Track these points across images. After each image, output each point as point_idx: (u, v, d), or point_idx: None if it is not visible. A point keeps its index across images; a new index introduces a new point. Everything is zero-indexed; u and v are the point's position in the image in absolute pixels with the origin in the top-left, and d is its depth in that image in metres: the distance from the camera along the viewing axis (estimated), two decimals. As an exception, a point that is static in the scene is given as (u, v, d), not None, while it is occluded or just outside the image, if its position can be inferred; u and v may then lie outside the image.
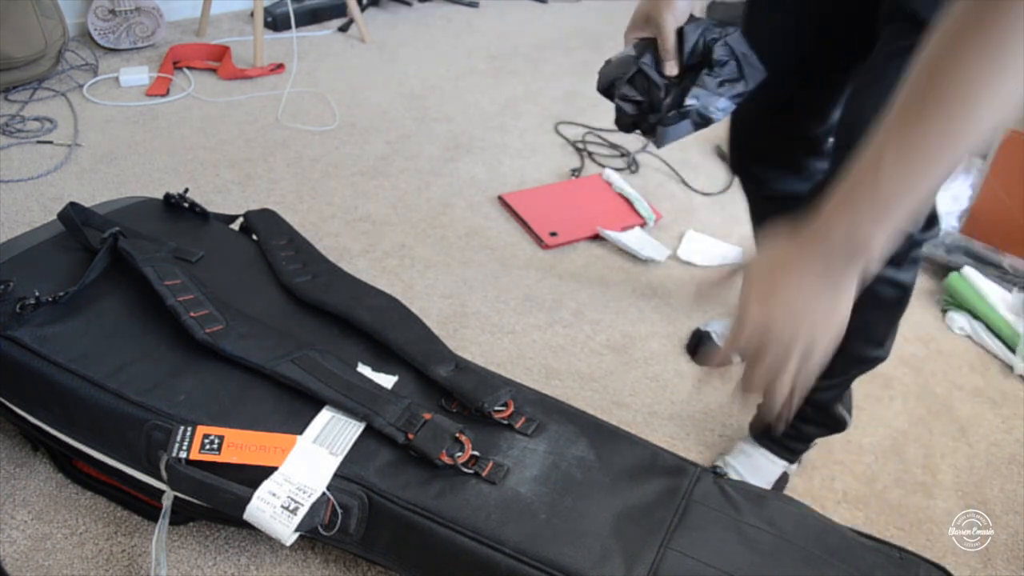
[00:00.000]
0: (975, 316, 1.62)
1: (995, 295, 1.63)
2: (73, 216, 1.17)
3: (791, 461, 1.23)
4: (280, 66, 2.37)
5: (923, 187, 0.63)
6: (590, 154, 2.12)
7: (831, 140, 1.17)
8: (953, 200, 1.88)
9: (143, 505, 1.09)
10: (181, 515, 1.05)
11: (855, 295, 0.70)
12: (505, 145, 2.13)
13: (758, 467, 1.20)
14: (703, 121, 1.05)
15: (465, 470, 0.98)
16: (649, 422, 1.33)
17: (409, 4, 2.99)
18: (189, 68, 2.33)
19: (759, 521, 0.98)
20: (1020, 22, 0.56)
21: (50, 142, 1.92)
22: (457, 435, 1.00)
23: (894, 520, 1.22)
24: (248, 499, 0.91)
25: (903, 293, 1.02)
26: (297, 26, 2.51)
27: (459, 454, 0.99)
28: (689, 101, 1.03)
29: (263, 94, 2.24)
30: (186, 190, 1.34)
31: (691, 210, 1.92)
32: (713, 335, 1.50)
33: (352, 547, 0.97)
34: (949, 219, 1.87)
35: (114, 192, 1.77)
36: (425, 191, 1.91)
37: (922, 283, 1.75)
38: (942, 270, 1.76)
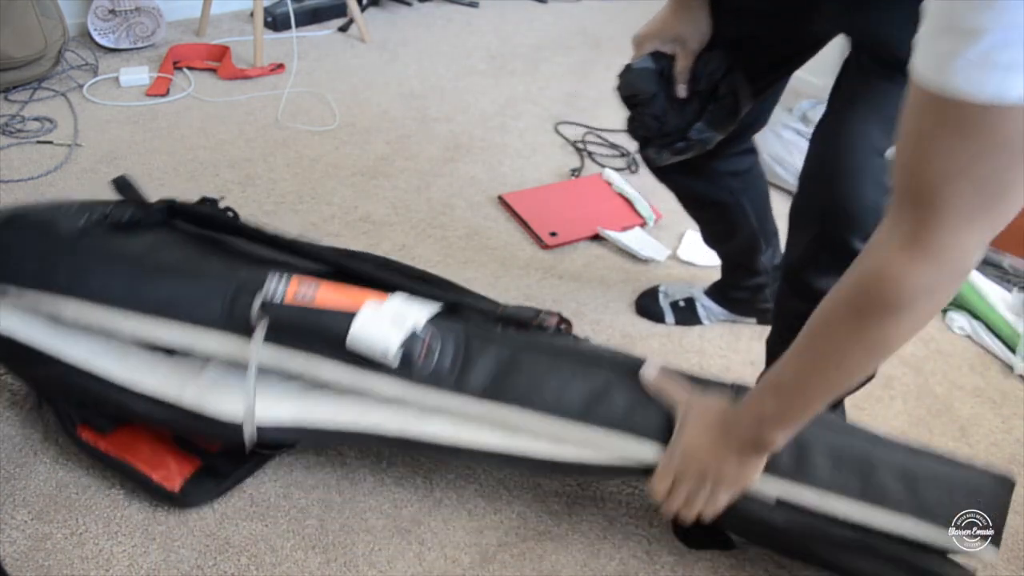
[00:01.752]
0: (975, 316, 1.62)
1: (995, 295, 1.63)
2: (129, 180, 1.23)
3: None
4: (280, 66, 2.37)
5: (811, 415, 0.87)
6: (590, 154, 2.12)
7: (734, 145, 1.24)
8: (953, 200, 1.88)
9: (155, 486, 1.09)
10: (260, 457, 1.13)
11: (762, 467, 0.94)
12: (505, 145, 2.13)
13: None
14: (701, 147, 1.14)
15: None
16: (649, 422, 1.33)
17: (409, 4, 2.99)
18: (189, 68, 2.33)
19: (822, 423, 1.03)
20: (890, 341, 0.76)
21: (50, 142, 1.92)
22: (538, 312, 1.09)
23: (894, 520, 1.22)
24: (352, 318, 0.94)
25: None
26: (297, 26, 2.51)
27: (549, 319, 1.09)
28: (692, 133, 1.12)
29: (263, 94, 2.24)
30: (222, 197, 1.29)
31: (691, 210, 1.92)
32: (660, 294, 1.58)
33: (446, 384, 0.98)
34: (949, 219, 1.87)
35: (114, 192, 1.76)
36: (425, 191, 1.91)
37: (922, 283, 1.75)
38: (942, 270, 1.75)
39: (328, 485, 1.17)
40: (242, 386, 0.99)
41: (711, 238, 1.46)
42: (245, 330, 0.97)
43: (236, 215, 1.31)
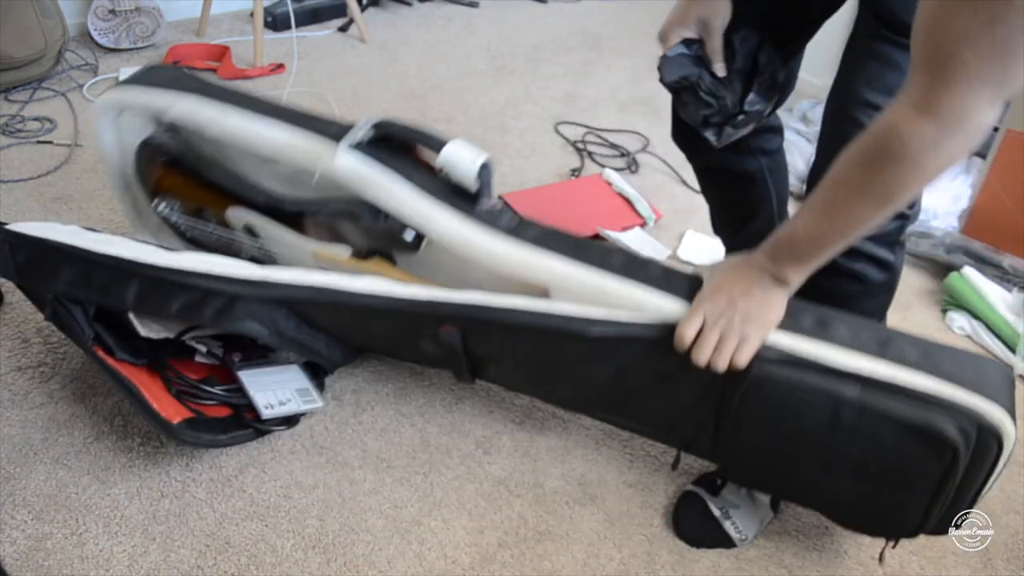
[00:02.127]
0: (975, 316, 1.62)
1: (995, 295, 1.63)
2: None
3: None
4: (280, 66, 2.37)
5: (824, 260, 0.93)
6: (590, 154, 2.12)
7: (768, 119, 1.25)
8: (953, 200, 1.88)
9: (146, 404, 1.10)
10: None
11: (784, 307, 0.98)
12: (505, 145, 2.13)
13: None
14: (758, 120, 1.14)
15: None
16: (649, 422, 1.33)
17: (409, 4, 2.99)
18: (189, 68, 2.33)
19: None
20: (894, 172, 0.82)
21: (50, 142, 1.92)
22: None
23: (894, 520, 1.23)
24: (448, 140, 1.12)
25: (892, 277, 1.10)
26: (297, 26, 2.51)
27: None
28: (747, 105, 1.11)
29: (263, 94, 2.24)
30: None
31: (691, 210, 1.91)
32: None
33: (504, 228, 1.09)
34: (949, 219, 1.87)
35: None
36: (425, 191, 1.90)
37: (922, 283, 1.75)
38: (942, 270, 1.75)
39: (328, 485, 1.17)
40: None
41: (729, 224, 1.44)
42: (339, 136, 1.15)
43: None
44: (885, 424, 0.93)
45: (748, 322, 0.94)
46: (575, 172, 2.03)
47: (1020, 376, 1.53)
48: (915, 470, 0.94)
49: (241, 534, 1.09)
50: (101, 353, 1.14)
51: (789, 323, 0.97)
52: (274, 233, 1.31)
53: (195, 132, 1.27)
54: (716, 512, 1.14)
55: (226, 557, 1.06)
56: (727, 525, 1.13)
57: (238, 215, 1.33)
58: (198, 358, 1.26)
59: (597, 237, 1.78)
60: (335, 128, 1.18)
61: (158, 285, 1.13)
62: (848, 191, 0.86)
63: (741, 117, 1.13)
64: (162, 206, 1.38)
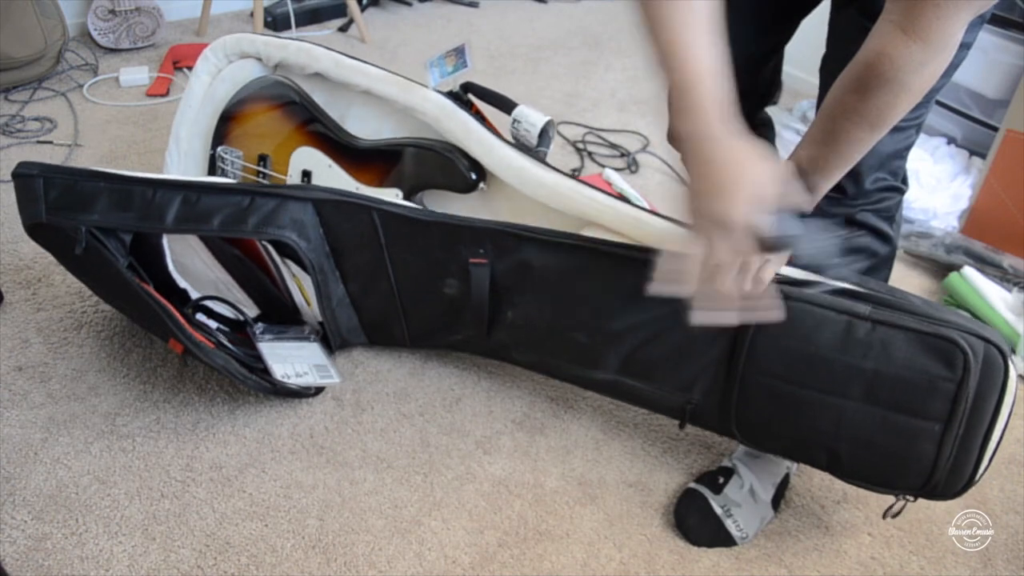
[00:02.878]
0: (975, 316, 1.62)
1: (995, 295, 1.62)
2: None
3: (794, 461, 1.24)
4: (280, 66, 2.37)
5: (825, 188, 0.97)
6: (590, 154, 2.12)
7: (759, 115, 1.28)
8: (953, 200, 1.88)
9: (179, 323, 1.12)
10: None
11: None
12: (505, 145, 2.13)
13: (764, 466, 1.21)
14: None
15: None
16: (650, 420, 1.33)
17: (409, 4, 2.99)
18: (189, 68, 2.33)
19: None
20: (887, 113, 0.87)
21: (50, 142, 1.92)
22: None
23: (894, 520, 1.22)
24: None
25: (891, 250, 1.15)
26: (297, 26, 2.51)
27: None
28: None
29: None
30: None
31: (691, 210, 1.91)
32: None
33: (552, 168, 1.23)
34: (949, 219, 1.87)
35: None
36: (425, 191, 1.90)
37: (922, 283, 1.75)
38: (942, 270, 1.75)
39: (328, 485, 1.17)
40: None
41: None
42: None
43: None
44: (897, 337, 0.96)
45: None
46: (575, 172, 2.03)
47: (1021, 376, 1.53)
48: (927, 387, 0.96)
49: (241, 534, 1.09)
50: (138, 279, 1.16)
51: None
52: (331, 177, 1.42)
53: (300, 71, 1.42)
54: (718, 510, 1.14)
55: (226, 557, 1.06)
56: (728, 523, 1.13)
57: (303, 156, 1.43)
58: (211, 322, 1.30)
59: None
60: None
61: (202, 197, 1.16)
62: (845, 118, 0.90)
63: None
64: (227, 155, 1.46)
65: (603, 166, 2.06)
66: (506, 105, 1.35)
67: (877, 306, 0.97)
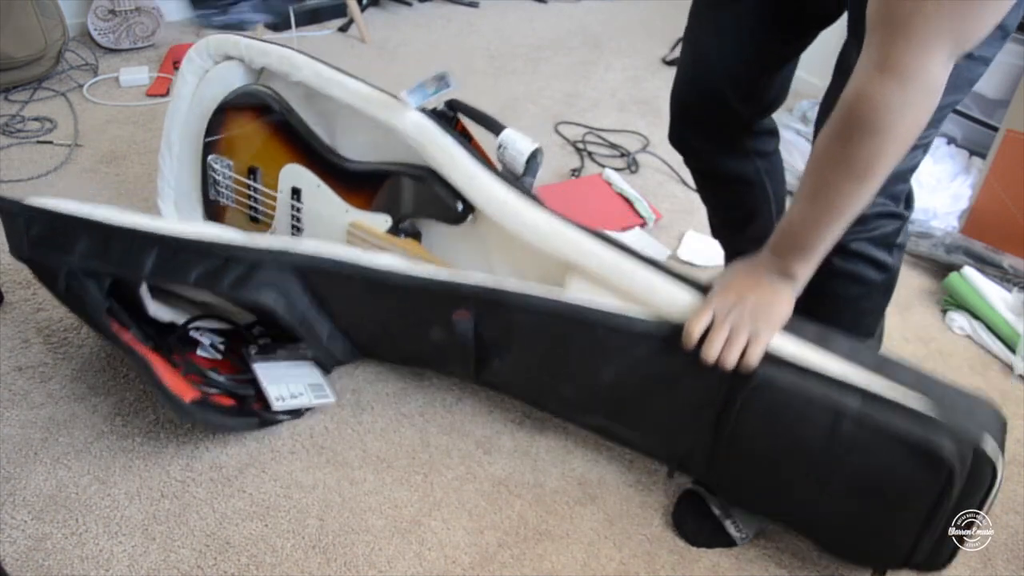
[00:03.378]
0: (975, 316, 1.62)
1: (995, 295, 1.63)
2: None
3: None
4: (280, 66, 2.37)
5: (825, 246, 0.93)
6: (590, 154, 2.12)
7: (763, 122, 1.26)
8: (953, 200, 1.88)
9: (170, 395, 1.10)
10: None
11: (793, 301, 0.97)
12: (505, 145, 2.13)
13: None
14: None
15: None
16: (649, 422, 1.33)
17: (409, 4, 2.99)
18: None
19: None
20: (873, 163, 0.84)
21: (50, 142, 1.92)
22: None
23: (894, 520, 1.23)
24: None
25: (890, 277, 1.10)
26: (297, 26, 2.51)
27: None
28: None
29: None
30: None
31: (691, 210, 1.91)
32: None
33: (535, 203, 1.14)
34: (949, 219, 1.87)
35: (114, 192, 1.77)
36: (425, 191, 1.90)
37: (922, 283, 1.75)
38: (942, 270, 1.75)
39: (328, 485, 1.17)
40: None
41: (727, 226, 1.44)
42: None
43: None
44: (883, 438, 0.92)
45: (758, 318, 0.95)
46: (575, 172, 2.03)
47: (1020, 376, 1.53)
48: (910, 489, 0.93)
49: (241, 534, 1.09)
50: (116, 327, 1.15)
51: (793, 330, 0.97)
52: (319, 197, 1.37)
53: (284, 77, 1.36)
54: (716, 511, 1.14)
55: (226, 557, 1.06)
56: (727, 524, 1.13)
57: (292, 174, 1.38)
58: (200, 352, 1.27)
59: (597, 237, 1.78)
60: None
61: (179, 252, 1.14)
62: (831, 170, 0.87)
63: None
64: (217, 164, 1.43)
65: (603, 166, 2.06)
66: (493, 127, 1.30)
67: (866, 400, 0.93)
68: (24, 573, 1.02)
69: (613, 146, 2.16)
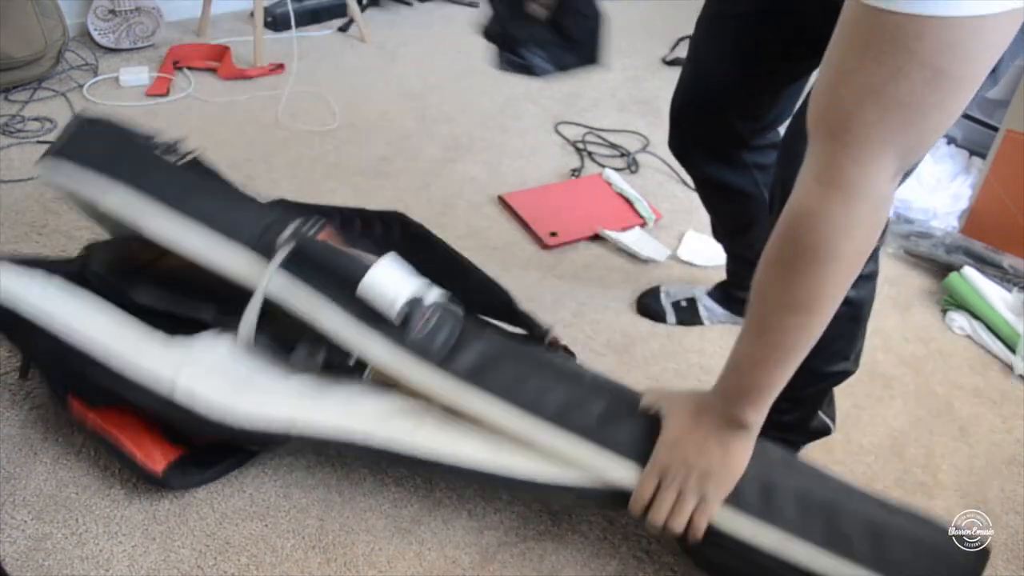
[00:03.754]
0: (975, 316, 1.62)
1: (995, 295, 1.63)
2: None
3: None
4: (280, 66, 2.37)
5: (777, 387, 0.86)
6: (590, 154, 2.12)
7: (764, 136, 1.25)
8: (953, 200, 1.88)
9: (139, 467, 1.09)
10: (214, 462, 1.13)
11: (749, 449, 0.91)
12: (505, 145, 2.13)
13: None
14: (525, 71, 1.15)
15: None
16: (649, 422, 1.33)
17: (409, 4, 2.99)
18: (189, 68, 2.33)
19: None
20: (818, 292, 0.77)
21: (50, 142, 1.92)
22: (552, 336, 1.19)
23: (894, 520, 1.22)
24: (371, 265, 1.00)
25: (855, 309, 1.05)
26: (297, 26, 2.51)
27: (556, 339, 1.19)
28: (528, 54, 1.13)
29: (263, 94, 2.24)
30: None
31: (691, 210, 1.92)
32: (662, 294, 1.59)
33: (431, 360, 1.01)
34: (949, 219, 1.87)
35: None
36: (425, 191, 1.91)
37: (922, 283, 1.75)
38: (942, 270, 1.75)
39: (328, 485, 1.17)
40: (238, 375, 1.04)
41: (726, 231, 1.45)
42: (268, 255, 1.03)
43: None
44: None
45: (707, 481, 0.90)
46: (575, 172, 2.03)
47: (1020, 376, 1.53)
48: None
49: (241, 534, 1.09)
50: (78, 408, 1.12)
51: (734, 497, 0.92)
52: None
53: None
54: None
55: (226, 557, 1.06)
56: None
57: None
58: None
59: (597, 237, 1.78)
60: (266, 226, 1.06)
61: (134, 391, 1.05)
62: (773, 302, 0.80)
63: (512, 56, 1.12)
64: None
65: (603, 166, 2.06)
66: (352, 273, 1.00)
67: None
68: (24, 573, 1.02)
69: (613, 146, 2.16)
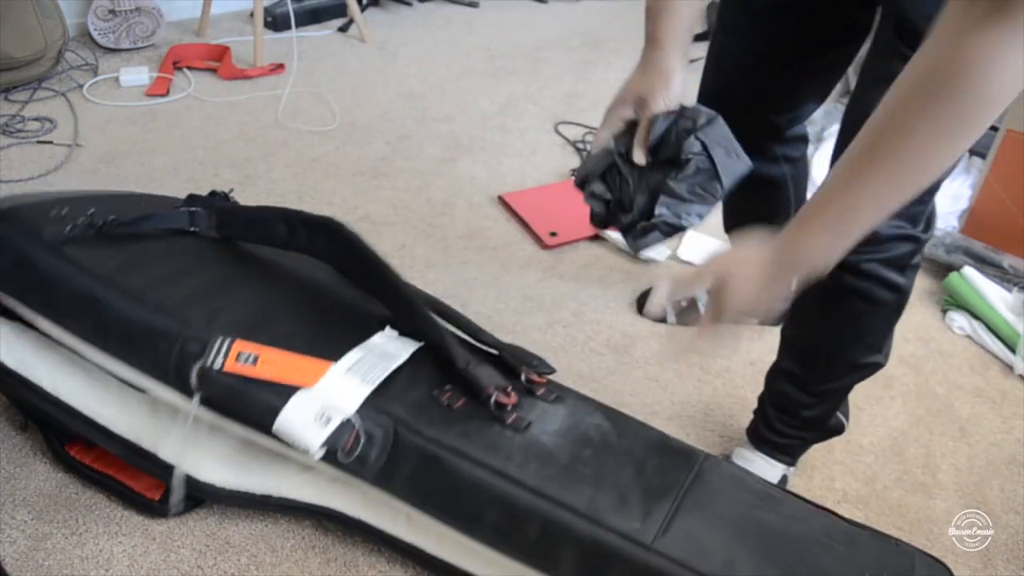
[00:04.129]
0: (975, 316, 1.62)
1: (995, 295, 1.63)
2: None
3: (790, 464, 1.24)
4: (280, 66, 2.37)
5: (861, 229, 0.75)
6: (590, 154, 2.12)
7: (794, 128, 1.23)
8: (953, 200, 1.88)
9: (137, 497, 1.09)
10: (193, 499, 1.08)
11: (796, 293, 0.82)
12: (505, 145, 2.13)
13: (758, 471, 1.21)
14: (673, 230, 1.00)
15: (492, 415, 0.99)
16: (649, 422, 1.32)
17: (409, 4, 2.99)
18: (189, 68, 2.33)
19: (764, 501, 0.99)
20: (966, 106, 0.66)
21: (50, 142, 1.92)
22: (507, 388, 1.02)
23: (894, 520, 1.22)
24: (280, 408, 0.92)
25: (901, 297, 1.05)
26: (297, 26, 2.51)
27: (505, 397, 1.00)
28: (658, 211, 0.98)
29: (263, 94, 2.24)
30: (231, 190, 1.30)
31: (691, 210, 1.91)
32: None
33: (369, 477, 0.96)
34: (949, 219, 1.87)
35: (114, 192, 1.77)
36: (425, 191, 1.91)
37: (922, 283, 1.75)
38: (942, 270, 1.75)
39: (328, 485, 1.17)
40: (209, 443, 1.03)
41: (743, 225, 1.43)
42: (188, 390, 0.97)
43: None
44: None
45: (735, 291, 0.82)
46: (575, 172, 2.02)
47: (1020, 376, 1.53)
48: None
49: (241, 534, 1.09)
50: (76, 455, 1.12)
51: (696, 557, 0.88)
52: None
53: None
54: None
55: (226, 557, 1.06)
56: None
57: None
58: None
59: (597, 237, 1.78)
60: (180, 350, 0.98)
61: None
62: (905, 131, 0.69)
63: (641, 225, 1.00)
64: None
65: (603, 166, 2.06)
66: (263, 423, 0.94)
67: None
68: (24, 573, 1.02)
69: (613, 146, 2.16)
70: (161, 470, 1.03)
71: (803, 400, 1.16)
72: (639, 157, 1.00)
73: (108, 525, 1.08)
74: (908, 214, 0.96)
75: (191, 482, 1.02)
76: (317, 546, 1.09)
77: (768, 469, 1.21)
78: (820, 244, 0.77)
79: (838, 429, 1.26)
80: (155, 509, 1.09)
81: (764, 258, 0.81)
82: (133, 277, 1.04)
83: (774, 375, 1.20)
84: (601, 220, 1.08)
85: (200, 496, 1.07)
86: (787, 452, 1.23)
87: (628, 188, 0.99)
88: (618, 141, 1.02)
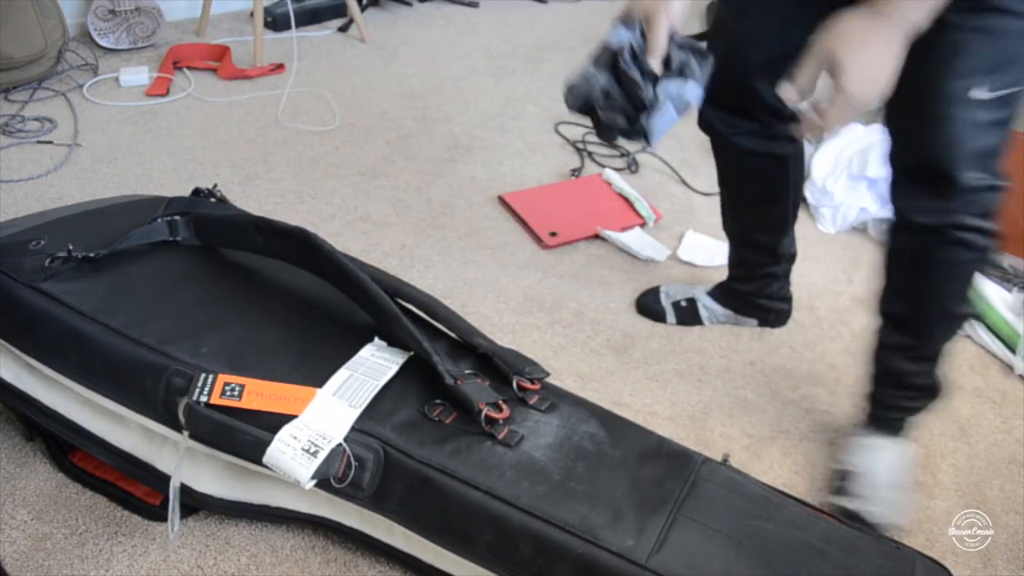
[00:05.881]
0: (975, 316, 1.62)
1: (995, 295, 1.63)
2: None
3: (905, 436, 1.25)
4: (280, 66, 2.37)
5: None
6: (590, 154, 2.12)
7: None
8: (953, 200, 1.88)
9: (138, 502, 1.09)
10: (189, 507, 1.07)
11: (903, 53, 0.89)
12: (505, 145, 2.13)
13: (891, 456, 1.22)
14: (683, 106, 1.10)
15: (483, 431, 0.98)
16: (649, 422, 1.33)
17: (409, 4, 2.99)
18: (189, 68, 2.33)
19: (761, 508, 0.99)
20: None
21: (50, 142, 1.92)
22: (499, 402, 1.01)
23: (894, 520, 1.22)
24: (268, 441, 0.92)
25: (993, 242, 1.11)
26: (297, 26, 2.51)
27: (496, 412, 1.00)
28: (661, 91, 1.09)
29: (263, 94, 2.24)
30: (214, 185, 1.32)
31: (691, 210, 1.92)
32: (662, 294, 1.59)
33: (363, 501, 0.96)
34: (949, 219, 1.87)
35: (114, 192, 1.77)
36: (425, 191, 1.91)
37: (922, 283, 1.75)
38: (942, 270, 1.75)
39: (328, 485, 1.17)
40: (205, 458, 1.02)
41: (745, 211, 1.42)
42: (177, 425, 0.97)
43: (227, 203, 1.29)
44: None
45: (861, 58, 0.89)
46: (575, 172, 2.03)
47: (1020, 376, 1.53)
48: None
49: (241, 534, 1.09)
50: (78, 464, 1.13)
51: (691, 574, 0.88)
52: None
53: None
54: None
55: (226, 557, 1.06)
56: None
57: None
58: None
59: (597, 237, 1.78)
60: (165, 387, 0.98)
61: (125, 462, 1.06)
62: None
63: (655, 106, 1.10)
64: None
65: (603, 166, 2.06)
66: (253, 456, 0.94)
67: None
68: (24, 573, 1.02)
69: (613, 146, 2.16)
70: (159, 482, 1.03)
71: (916, 369, 1.20)
72: (656, 63, 1.09)
73: (108, 525, 1.08)
74: (989, 167, 1.04)
75: (188, 492, 1.02)
76: (317, 546, 1.09)
77: (901, 450, 1.22)
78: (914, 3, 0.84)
79: (944, 386, 1.26)
80: (155, 514, 1.09)
81: (866, 23, 0.87)
82: (116, 309, 1.04)
83: (882, 355, 1.22)
84: (618, 128, 1.14)
85: (197, 507, 1.07)
86: (905, 429, 1.25)
87: (640, 89, 1.08)
88: (598, 65, 1.15)
